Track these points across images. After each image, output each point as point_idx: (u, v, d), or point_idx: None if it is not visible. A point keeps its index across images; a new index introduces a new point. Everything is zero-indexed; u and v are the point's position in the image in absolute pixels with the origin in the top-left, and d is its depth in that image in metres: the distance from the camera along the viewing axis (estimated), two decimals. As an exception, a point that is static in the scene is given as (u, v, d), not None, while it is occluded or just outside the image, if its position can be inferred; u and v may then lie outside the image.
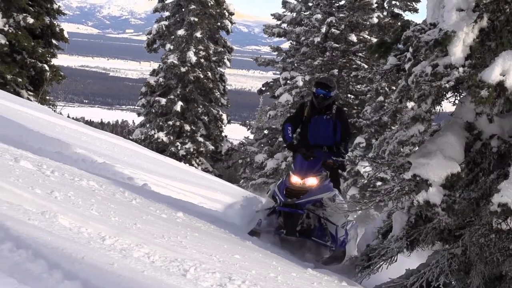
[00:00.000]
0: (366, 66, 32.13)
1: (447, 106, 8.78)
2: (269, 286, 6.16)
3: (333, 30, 32.67)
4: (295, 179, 10.06)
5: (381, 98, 28.55)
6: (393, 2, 34.27)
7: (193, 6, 36.42)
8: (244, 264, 6.87)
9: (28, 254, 4.50)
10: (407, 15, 33.71)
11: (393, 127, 26.37)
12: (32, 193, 6.46)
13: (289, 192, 9.96)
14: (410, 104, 10.02)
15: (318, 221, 10.14)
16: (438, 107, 8.52)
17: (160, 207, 8.72)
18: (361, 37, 32.95)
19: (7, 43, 28.72)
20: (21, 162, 8.01)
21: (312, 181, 10.06)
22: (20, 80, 29.17)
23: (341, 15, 33.08)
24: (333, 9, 33.50)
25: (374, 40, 30.75)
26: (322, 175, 10.21)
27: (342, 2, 33.90)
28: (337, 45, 32.66)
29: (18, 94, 27.44)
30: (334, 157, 10.44)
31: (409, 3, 33.75)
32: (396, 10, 34.30)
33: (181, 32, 36.56)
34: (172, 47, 36.76)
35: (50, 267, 4.36)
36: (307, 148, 10.54)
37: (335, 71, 32.85)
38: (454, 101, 8.53)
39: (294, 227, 9.94)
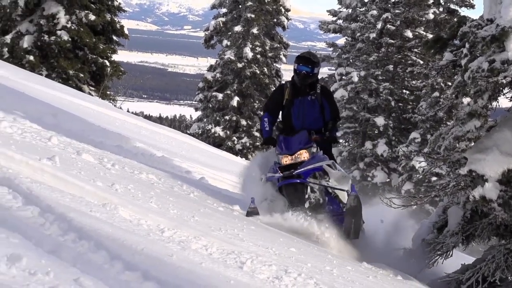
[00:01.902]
0: (421, 62, 31.75)
1: (504, 101, 8.66)
2: (325, 279, 6.14)
3: (388, 26, 32.40)
4: (285, 159, 9.08)
5: (436, 93, 28.22)
6: (449, -2, 33.85)
7: (250, 3, 36.43)
8: (300, 257, 6.87)
9: (90, 245, 4.55)
10: (463, 11, 33.20)
11: (448, 123, 26.06)
12: (94, 185, 6.53)
13: (283, 169, 9.03)
14: (466, 100, 9.90)
15: (326, 193, 9.22)
16: (494, 103, 8.41)
17: (217, 201, 8.75)
18: (417, 33, 32.61)
19: (70, 39, 29.09)
20: (83, 155, 8.11)
21: (303, 155, 9.08)
22: (82, 75, 29.52)
23: (396, 11, 32.78)
24: (389, 5, 33.20)
25: (430, 36, 30.36)
26: (311, 147, 9.23)
27: (398, -2, 33.60)
28: (392, 41, 32.39)
29: (80, 89, 27.76)
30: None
31: (465, -1, 33.31)
32: (452, 6, 33.81)
33: (238, 28, 36.61)
34: (229, 43, 36.83)
35: (111, 258, 4.40)
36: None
37: (391, 67, 32.56)
38: (511, 97, 8.42)
39: (301, 202, 8.94)
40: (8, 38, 29.38)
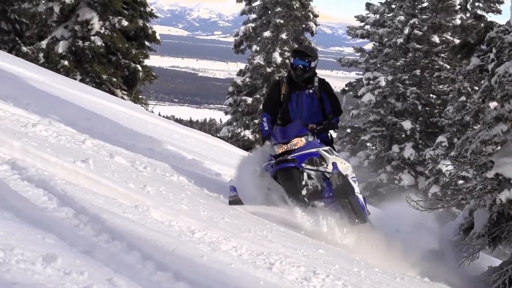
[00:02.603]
0: (448, 67, 31.51)
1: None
2: (353, 281, 6.13)
3: (415, 31, 32.22)
4: (280, 148, 8.68)
5: (463, 98, 28.00)
6: (476, 4, 33.57)
7: (279, 9, 36.42)
8: (328, 258, 6.86)
9: (123, 245, 4.57)
10: (490, 17, 33.04)
11: (475, 127, 25.94)
12: (126, 187, 6.57)
13: (278, 157, 8.64)
14: (493, 104, 9.82)
15: (324, 180, 8.72)
16: (521, 107, 8.35)
17: (247, 203, 8.74)
18: (444, 38, 32.40)
19: (103, 44, 29.30)
20: (116, 158, 8.16)
21: (298, 143, 8.66)
22: (115, 80, 29.72)
23: (424, 16, 32.59)
24: (416, 11, 33.03)
25: (457, 41, 30.23)
26: (307, 135, 8.79)
27: (425, 4, 33.36)
28: (419, 46, 32.21)
29: (113, 93, 27.92)
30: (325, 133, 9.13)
31: (492, 5, 33.00)
32: (479, 12, 33.54)
33: (267, 33, 36.61)
34: (258, 48, 36.82)
35: (144, 258, 4.42)
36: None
37: (418, 72, 32.39)
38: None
39: (297, 188, 8.47)
40: (43, 43, 29.66)
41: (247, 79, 37.19)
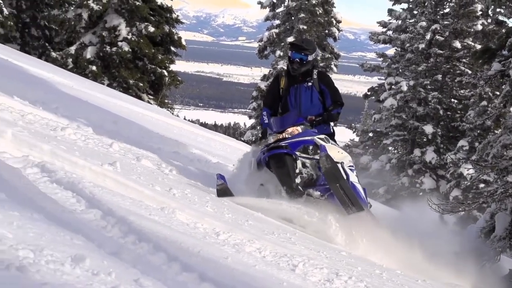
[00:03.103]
0: (470, 72, 31.28)
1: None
2: (375, 283, 6.11)
3: (437, 37, 32.03)
4: (275, 137, 8.41)
5: (484, 102, 27.79)
6: (498, 10, 33.34)
7: (302, 15, 36.43)
8: (350, 260, 6.84)
9: (149, 247, 4.58)
10: (512, 22, 32.70)
11: (496, 131, 25.77)
12: (152, 190, 6.59)
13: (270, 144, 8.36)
14: (514, 109, 9.77)
15: (319, 168, 8.25)
16: (542, 112, 8.29)
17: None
18: (465, 44, 32.19)
19: (130, 50, 29.46)
20: (142, 161, 8.20)
21: (292, 131, 8.38)
22: (141, 84, 29.88)
23: (445, 22, 32.40)
24: (438, 17, 32.83)
25: (478, 46, 30.05)
26: (303, 125, 8.49)
27: (447, 10, 33.19)
28: (441, 52, 32.02)
29: (139, 97, 28.05)
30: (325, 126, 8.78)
31: (513, 10, 32.76)
32: (501, 17, 33.21)
33: (290, 39, 36.61)
34: (282, 54, 36.82)
35: (169, 260, 4.43)
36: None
37: (439, 77, 32.19)
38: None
39: (290, 176, 8.10)
40: (72, 49, 29.90)
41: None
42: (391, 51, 39.23)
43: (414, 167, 31.79)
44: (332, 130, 9.00)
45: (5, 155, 5.95)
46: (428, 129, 31.28)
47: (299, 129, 8.42)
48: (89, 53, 29.73)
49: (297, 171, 8.27)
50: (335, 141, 8.91)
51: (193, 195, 7.20)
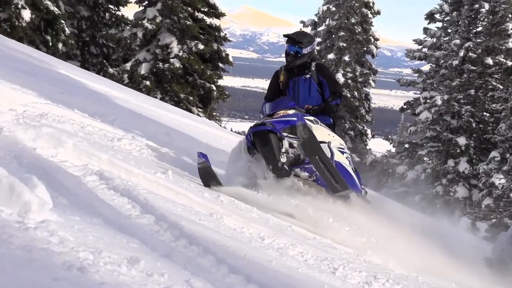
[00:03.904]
0: (501, 87, 30.90)
1: None
2: (411, 285, 6.07)
3: (470, 54, 31.68)
4: (265, 119, 7.89)
5: (515, 116, 27.49)
6: (528, 28, 32.91)
7: (342, 33, 36.44)
8: (388, 264, 6.79)
9: (199, 250, 4.60)
10: (542, 40, 32.22)
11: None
12: (202, 197, 6.62)
13: None
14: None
15: None
16: None
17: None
18: (497, 60, 31.78)
19: (181, 66, 29.68)
20: (192, 169, 8.22)
21: (283, 113, 7.82)
22: (191, 98, 30.06)
23: (478, 40, 32.04)
24: (471, 35, 32.49)
25: (510, 63, 29.77)
26: (295, 109, 7.90)
27: (479, 29, 32.85)
28: (474, 68, 31.66)
29: (189, 110, 28.19)
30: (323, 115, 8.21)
31: (544, 29, 32.31)
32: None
33: (331, 56, 36.65)
34: (322, 69, 36.89)
35: (218, 262, 4.44)
36: None
37: (472, 91, 31.82)
38: None
39: (274, 154, 7.47)
40: (128, 65, 30.23)
41: (312, 98, 37.27)
42: (426, 67, 38.95)
43: (448, 177, 31.45)
44: (332, 121, 8.55)
45: (66, 164, 6.03)
46: (461, 141, 30.96)
47: (289, 112, 7.85)
48: (143, 69, 30.02)
49: (283, 150, 7.71)
50: (334, 131, 8.41)
51: (239, 202, 7.21)
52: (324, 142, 7.76)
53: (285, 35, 8.47)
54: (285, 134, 7.72)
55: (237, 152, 8.23)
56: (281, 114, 7.82)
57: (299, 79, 8.32)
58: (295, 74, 8.35)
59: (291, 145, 7.77)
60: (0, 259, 3.01)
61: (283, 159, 7.62)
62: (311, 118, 7.92)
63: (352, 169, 8.22)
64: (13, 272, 2.91)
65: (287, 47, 8.35)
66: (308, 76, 8.30)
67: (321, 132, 7.88)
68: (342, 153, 8.15)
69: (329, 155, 7.68)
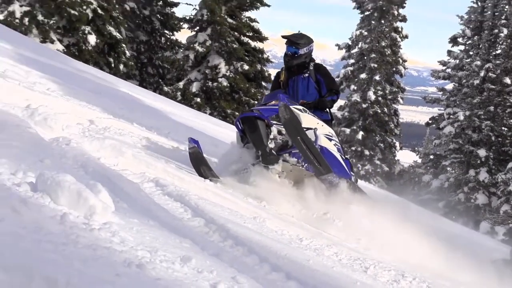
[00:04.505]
0: (519, 104, 30.51)
1: None
2: (436, 283, 5.98)
3: (490, 74, 31.27)
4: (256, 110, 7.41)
5: (532, 130, 27.07)
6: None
7: (373, 55, 36.28)
8: (415, 264, 6.70)
9: (244, 250, 4.60)
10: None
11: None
12: (246, 202, 6.62)
13: None
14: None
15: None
16: None
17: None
18: (515, 80, 31.39)
19: (228, 85, 29.84)
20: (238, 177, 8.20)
21: (274, 103, 7.35)
22: (237, 113, 30.13)
23: (497, 61, 31.61)
24: (491, 57, 32.07)
25: (526, 82, 29.38)
26: (286, 100, 7.38)
27: (499, 51, 32.46)
28: (493, 87, 31.21)
29: (235, 125, 28.26)
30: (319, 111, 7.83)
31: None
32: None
33: (363, 75, 36.52)
34: (355, 88, 36.81)
35: (261, 261, 4.44)
36: None
37: (492, 108, 31.36)
38: None
39: (262, 139, 7.12)
40: (181, 84, 30.50)
41: (346, 113, 37.22)
42: (449, 86, 38.58)
43: (469, 185, 31.03)
44: (330, 117, 8.15)
45: (126, 172, 6.09)
46: (482, 152, 30.57)
47: (282, 103, 7.18)
48: (194, 87, 30.24)
49: (271, 136, 7.39)
50: (331, 126, 7.95)
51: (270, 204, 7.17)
52: (311, 129, 7.37)
53: (283, 36, 8.11)
54: (274, 122, 7.45)
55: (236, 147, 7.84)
56: (272, 103, 7.42)
57: (298, 78, 8.03)
58: (294, 74, 8.06)
59: (279, 132, 7.49)
60: (68, 257, 3.04)
61: (271, 144, 7.31)
62: (300, 107, 7.51)
63: (341, 156, 7.78)
64: (80, 268, 2.95)
65: (286, 48, 8.06)
66: (306, 75, 8.00)
67: (309, 119, 7.48)
68: (330, 140, 7.68)
69: (313, 139, 7.28)
